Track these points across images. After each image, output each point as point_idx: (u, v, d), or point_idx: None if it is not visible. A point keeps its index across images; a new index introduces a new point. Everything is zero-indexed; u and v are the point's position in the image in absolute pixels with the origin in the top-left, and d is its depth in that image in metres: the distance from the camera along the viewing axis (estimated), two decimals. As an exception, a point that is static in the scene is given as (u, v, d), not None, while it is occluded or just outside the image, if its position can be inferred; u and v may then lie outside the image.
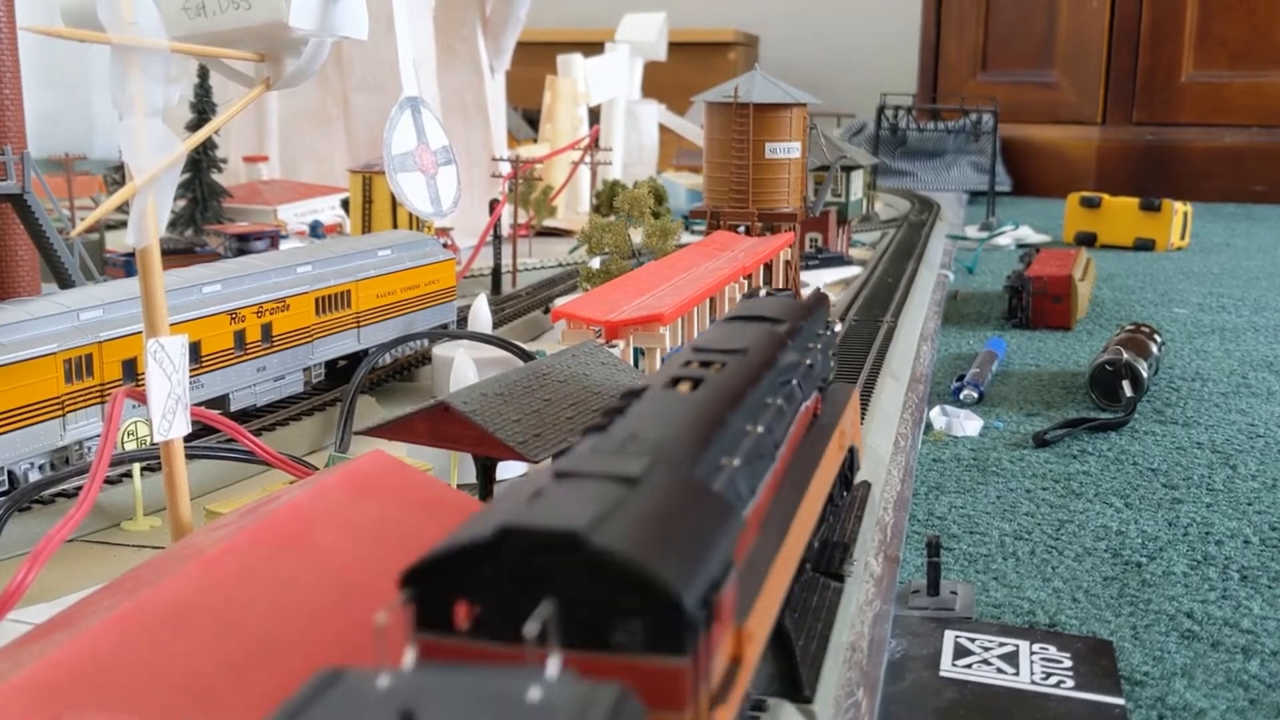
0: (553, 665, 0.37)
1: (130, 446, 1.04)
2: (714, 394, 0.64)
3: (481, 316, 1.44)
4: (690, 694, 0.44)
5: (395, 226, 1.84)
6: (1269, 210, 4.08)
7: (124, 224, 0.71)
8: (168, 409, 0.74)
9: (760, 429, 0.64)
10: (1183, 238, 3.12)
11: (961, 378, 1.59)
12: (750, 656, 0.53)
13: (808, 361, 0.81)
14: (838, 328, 1.24)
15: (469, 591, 0.45)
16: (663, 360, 1.27)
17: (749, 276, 1.61)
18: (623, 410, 0.62)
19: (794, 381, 0.76)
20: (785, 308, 0.86)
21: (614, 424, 0.59)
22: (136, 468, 1.04)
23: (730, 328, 0.79)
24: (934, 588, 0.93)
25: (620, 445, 0.55)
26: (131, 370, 1.09)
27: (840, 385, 0.97)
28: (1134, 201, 3.13)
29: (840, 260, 2.45)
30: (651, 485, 0.50)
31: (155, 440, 0.75)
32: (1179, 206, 3.10)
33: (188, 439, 0.79)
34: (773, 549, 0.62)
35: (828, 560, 0.85)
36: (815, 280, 2.20)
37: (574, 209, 3.08)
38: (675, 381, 0.67)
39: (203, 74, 2.23)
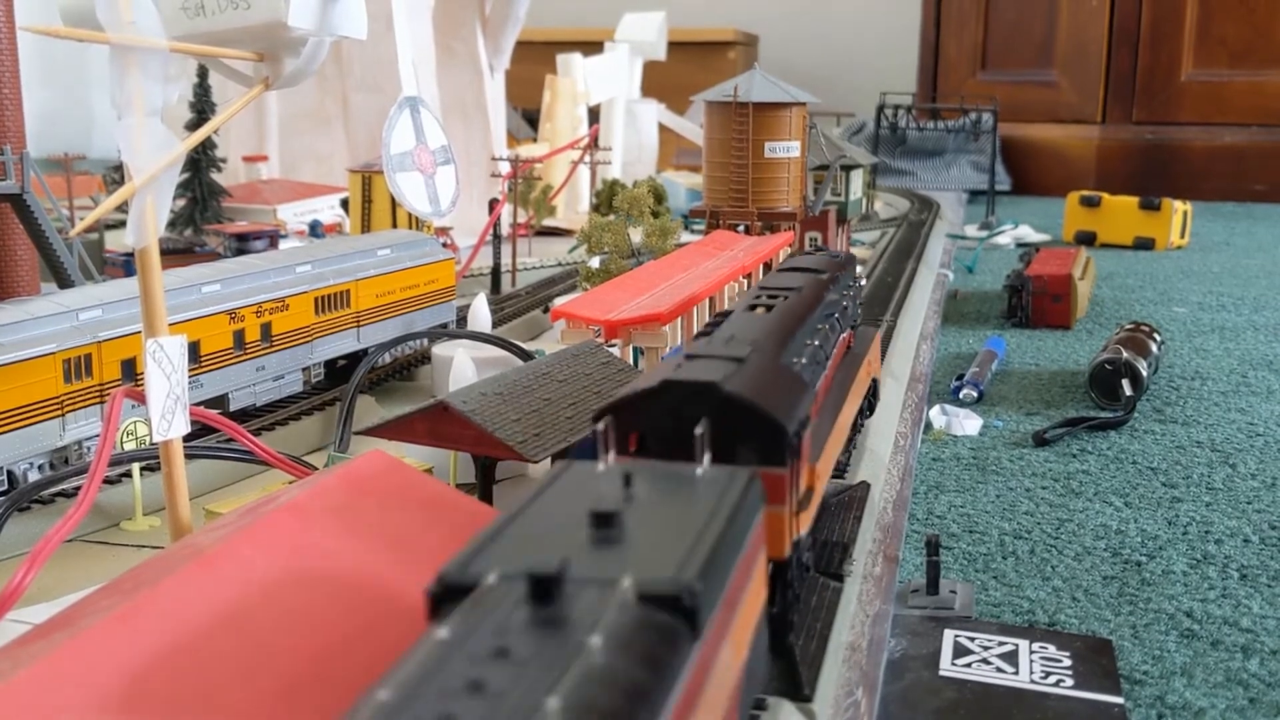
0: (706, 460, 0.58)
1: (130, 446, 1.04)
2: (783, 316, 0.87)
3: (481, 316, 1.44)
4: (788, 494, 0.66)
5: (395, 226, 1.84)
6: (1269, 209, 4.08)
7: (123, 223, 0.71)
8: (167, 409, 0.74)
9: (815, 343, 0.87)
10: (1182, 237, 3.12)
11: (961, 377, 1.59)
12: (819, 489, 0.77)
13: (843, 303, 1.06)
14: (863, 282, 1.55)
15: (638, 425, 0.66)
16: (662, 360, 1.27)
17: (748, 276, 1.61)
18: (718, 324, 0.84)
19: (834, 315, 0.99)
20: (826, 262, 1.10)
21: (715, 331, 0.81)
22: (136, 468, 1.04)
23: (785, 275, 1.03)
24: (933, 587, 0.93)
25: (725, 341, 0.76)
26: (131, 370, 1.09)
27: (867, 328, 1.19)
28: (1134, 201, 3.13)
29: (840, 259, 2.44)
30: (753, 364, 0.71)
31: (154, 440, 0.75)
32: (1179, 205, 3.10)
33: (187, 439, 0.79)
34: (829, 424, 0.86)
35: (827, 560, 0.85)
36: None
37: (573, 208, 3.08)
38: (752, 308, 0.90)
39: (202, 73, 2.23)
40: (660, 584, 0.43)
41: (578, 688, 0.37)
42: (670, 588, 0.43)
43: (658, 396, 0.66)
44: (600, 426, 0.60)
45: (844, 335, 1.05)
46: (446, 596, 0.45)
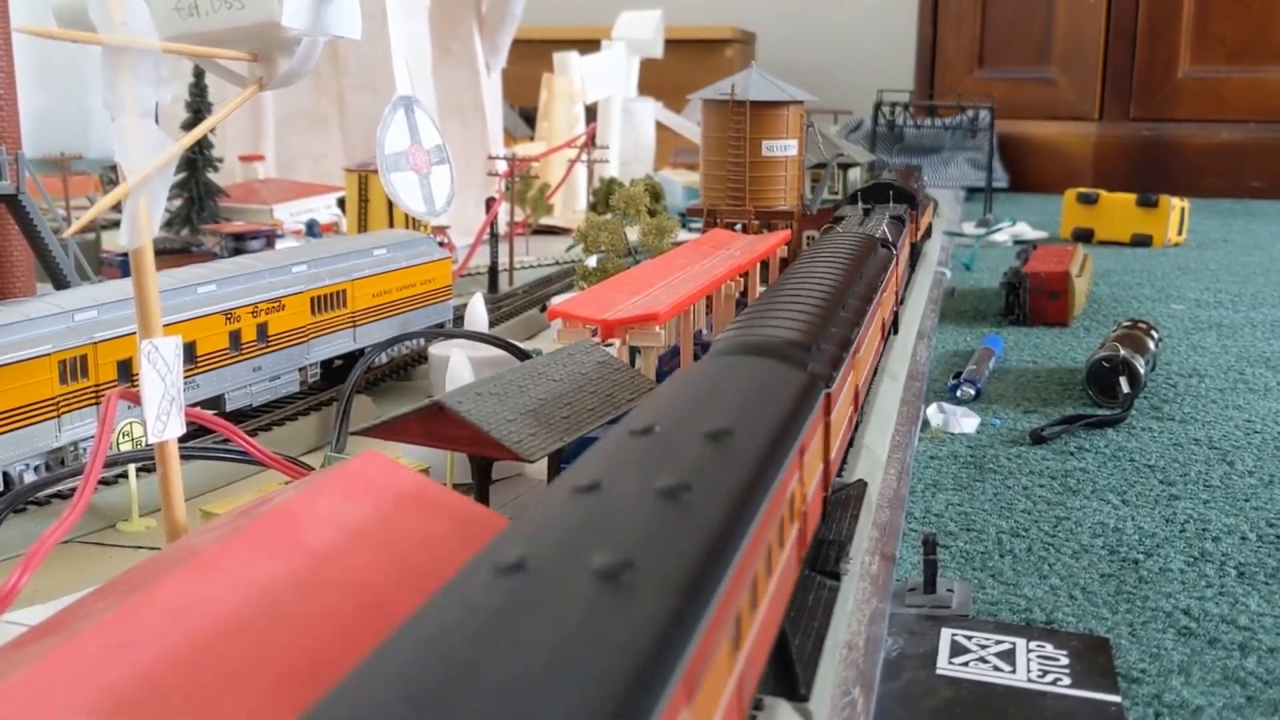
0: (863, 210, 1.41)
1: (125, 447, 1.04)
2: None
3: (478, 315, 1.44)
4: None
5: (391, 225, 1.83)
6: (1266, 206, 4.08)
7: (119, 224, 0.71)
8: (162, 410, 0.74)
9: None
10: (1180, 234, 3.12)
11: (958, 375, 1.59)
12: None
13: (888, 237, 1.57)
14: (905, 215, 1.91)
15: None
16: (659, 359, 1.27)
17: (745, 274, 1.61)
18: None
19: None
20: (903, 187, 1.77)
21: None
22: (132, 469, 1.04)
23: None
24: (930, 585, 0.93)
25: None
26: (126, 371, 1.09)
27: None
28: (1131, 197, 3.13)
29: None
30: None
31: (150, 441, 0.75)
32: (1176, 202, 3.10)
33: (183, 439, 0.79)
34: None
35: (824, 559, 0.85)
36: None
37: (571, 207, 3.08)
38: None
39: (198, 73, 2.23)
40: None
41: None
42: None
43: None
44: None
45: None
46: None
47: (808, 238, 2.17)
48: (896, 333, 1.65)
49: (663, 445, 0.55)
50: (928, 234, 2.36)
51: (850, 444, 1.10)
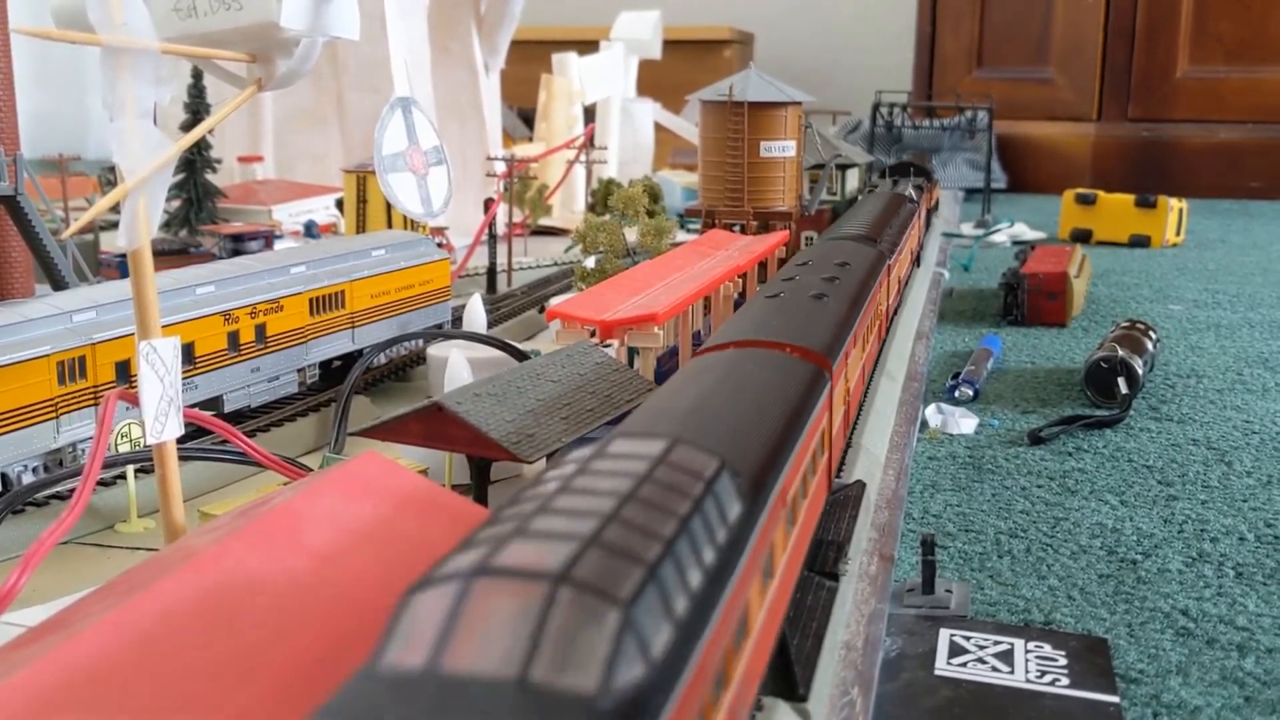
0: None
1: (124, 448, 1.04)
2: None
3: (476, 316, 1.44)
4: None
5: (390, 226, 1.84)
6: (1265, 206, 4.09)
7: (118, 225, 0.71)
8: (160, 411, 0.74)
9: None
10: (1178, 234, 3.13)
11: (957, 375, 1.59)
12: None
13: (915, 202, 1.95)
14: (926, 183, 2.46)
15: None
16: (658, 360, 1.27)
17: (744, 275, 1.61)
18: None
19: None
20: (921, 166, 1.93)
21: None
22: (130, 470, 1.04)
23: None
24: (929, 586, 0.93)
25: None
26: (125, 372, 1.09)
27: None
28: (1129, 198, 3.13)
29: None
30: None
31: (148, 443, 0.75)
32: (1174, 203, 3.11)
33: (182, 440, 0.79)
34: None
35: (822, 559, 0.85)
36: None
37: (569, 208, 3.08)
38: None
39: (197, 74, 2.22)
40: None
41: None
42: None
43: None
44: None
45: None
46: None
47: (806, 238, 2.17)
48: (919, 265, 2.19)
49: (795, 293, 1.02)
50: (936, 206, 3.03)
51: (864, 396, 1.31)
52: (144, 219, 0.72)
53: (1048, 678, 0.80)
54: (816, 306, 0.97)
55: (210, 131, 2.40)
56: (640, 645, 0.37)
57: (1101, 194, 3.18)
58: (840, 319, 0.97)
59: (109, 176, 2.52)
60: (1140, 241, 3.07)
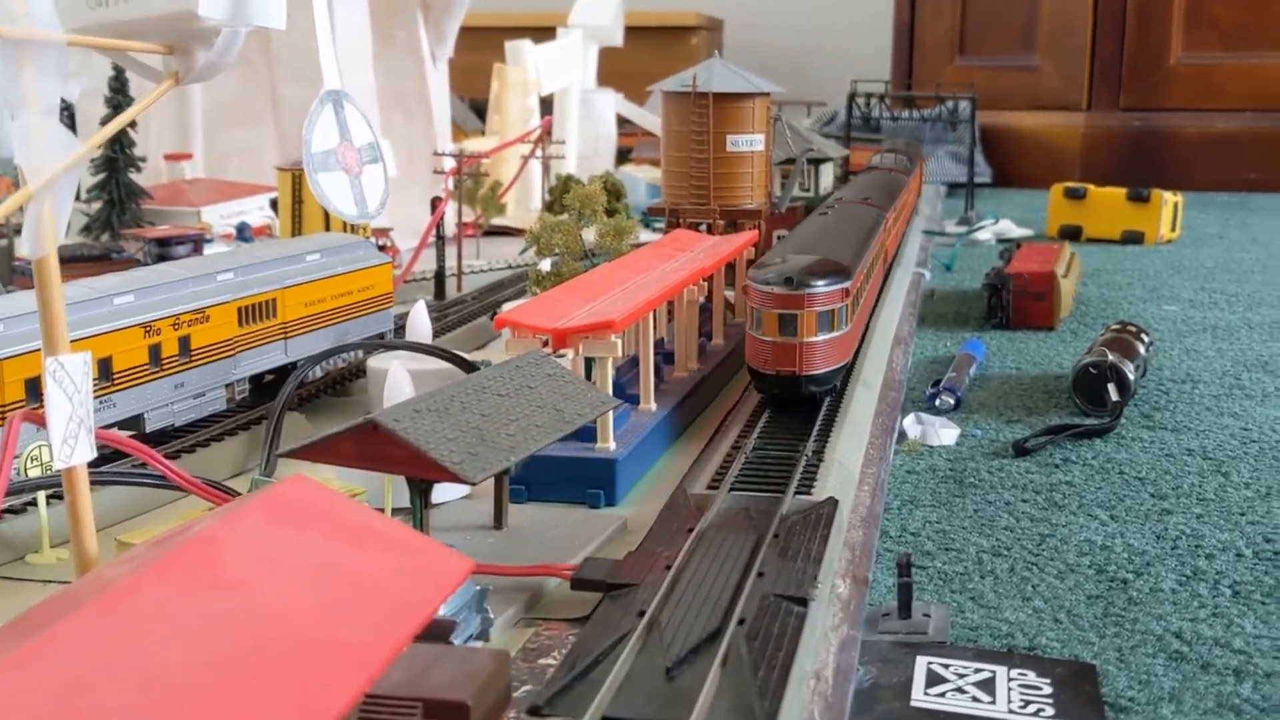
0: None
1: (34, 473, 1.02)
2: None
3: (420, 325, 1.43)
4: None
5: (328, 228, 1.82)
6: (1264, 199, 4.13)
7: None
8: (69, 433, 0.73)
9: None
10: (1173, 230, 3.16)
11: (937, 383, 1.60)
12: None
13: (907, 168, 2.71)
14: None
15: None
16: (617, 371, 1.26)
17: (709, 278, 1.62)
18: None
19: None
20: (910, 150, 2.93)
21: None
22: (42, 496, 1.02)
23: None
24: (905, 610, 0.93)
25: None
26: (36, 390, 1.07)
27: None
28: (1121, 192, 3.16)
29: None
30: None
31: (55, 467, 0.74)
32: (1169, 197, 3.14)
33: (98, 463, 0.78)
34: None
35: (791, 583, 0.85)
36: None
37: (525, 206, 3.08)
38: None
39: (118, 66, 2.21)
40: None
41: None
42: None
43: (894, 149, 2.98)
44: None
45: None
46: None
47: (778, 237, 2.18)
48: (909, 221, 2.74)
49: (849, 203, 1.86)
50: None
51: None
52: (50, 224, 0.71)
53: (1031, 708, 0.80)
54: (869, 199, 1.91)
55: (133, 127, 2.39)
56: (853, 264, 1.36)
57: (1091, 188, 3.20)
58: (885, 199, 1.99)
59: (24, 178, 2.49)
60: (1133, 238, 3.10)
